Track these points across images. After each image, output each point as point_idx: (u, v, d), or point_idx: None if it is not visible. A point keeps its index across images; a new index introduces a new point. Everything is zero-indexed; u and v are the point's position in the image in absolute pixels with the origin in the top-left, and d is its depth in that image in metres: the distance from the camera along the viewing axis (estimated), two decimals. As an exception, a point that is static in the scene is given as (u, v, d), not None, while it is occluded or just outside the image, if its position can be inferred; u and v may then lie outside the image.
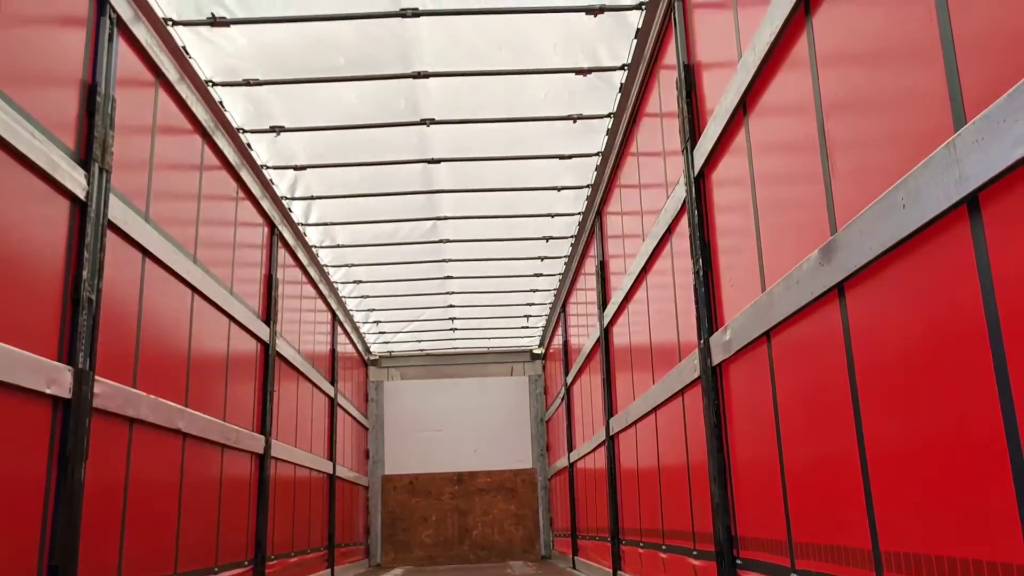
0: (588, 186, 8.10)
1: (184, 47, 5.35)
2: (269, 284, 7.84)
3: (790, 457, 3.36)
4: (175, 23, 5.13)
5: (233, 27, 5.28)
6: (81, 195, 4.03)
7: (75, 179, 3.97)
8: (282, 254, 8.35)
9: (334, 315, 11.39)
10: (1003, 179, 1.79)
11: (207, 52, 5.52)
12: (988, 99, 1.87)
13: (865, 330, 2.60)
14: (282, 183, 7.65)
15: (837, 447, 2.83)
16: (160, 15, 4.99)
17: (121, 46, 4.57)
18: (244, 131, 6.56)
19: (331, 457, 11.12)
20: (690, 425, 5.01)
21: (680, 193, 4.86)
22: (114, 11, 4.42)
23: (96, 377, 4.08)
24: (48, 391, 3.66)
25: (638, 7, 5.31)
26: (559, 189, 8.20)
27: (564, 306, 11.75)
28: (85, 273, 4.02)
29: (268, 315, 7.77)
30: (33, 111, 3.67)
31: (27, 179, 3.62)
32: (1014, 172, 1.75)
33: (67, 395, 3.82)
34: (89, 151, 4.16)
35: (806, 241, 3.03)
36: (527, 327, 14.00)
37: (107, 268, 4.29)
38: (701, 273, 4.47)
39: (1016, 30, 1.80)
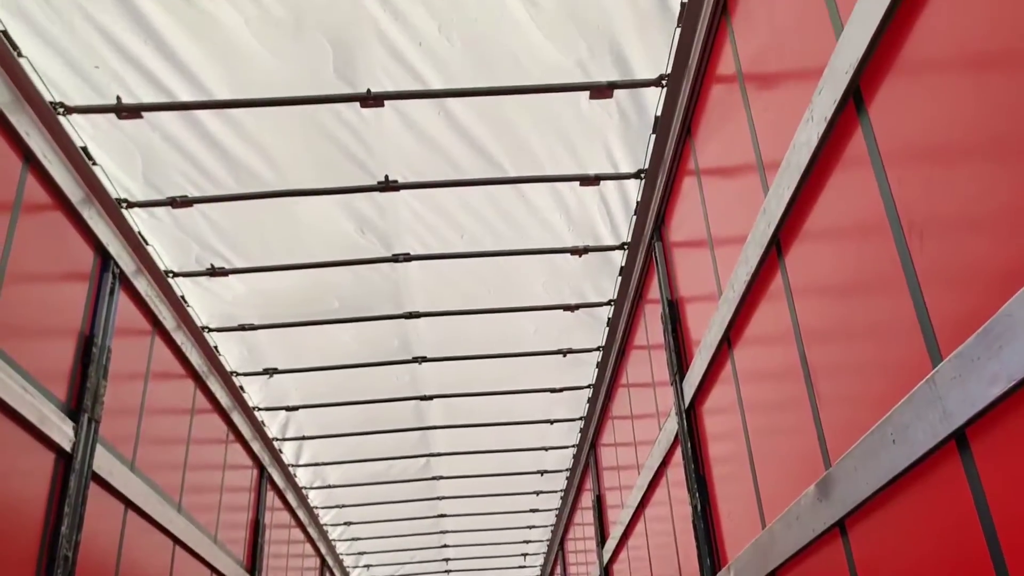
0: (581, 418, 8.07)
1: (183, 296, 5.52)
2: (256, 530, 7.57)
3: None
4: (175, 275, 5.32)
5: (231, 276, 5.48)
6: (67, 447, 3.98)
7: (63, 431, 3.94)
8: (271, 497, 8.13)
9: (323, 560, 10.89)
10: (987, 415, 1.80)
11: (205, 300, 5.69)
12: (958, 332, 1.92)
13: (872, 568, 2.49)
14: (273, 424, 7.60)
15: None
16: (161, 268, 5.18)
17: (121, 297, 4.71)
18: (237, 374, 6.62)
19: None
20: (702, 675, 4.65)
21: (672, 425, 4.84)
22: (117, 266, 4.60)
23: (64, 643, 3.83)
24: (11, 661, 3.41)
25: (620, 247, 5.56)
26: (552, 422, 8.16)
27: (562, 542, 11.29)
28: (64, 528, 3.88)
29: (253, 564, 7.43)
30: (27, 365, 3.71)
31: (13, 432, 3.59)
32: (996, 408, 1.76)
33: (31, 664, 3.56)
34: (80, 402, 4.16)
35: (801, 472, 2.98)
36: (524, 566, 13.37)
37: (87, 520, 4.15)
38: (699, 507, 4.35)
39: (970, 267, 1.88)
